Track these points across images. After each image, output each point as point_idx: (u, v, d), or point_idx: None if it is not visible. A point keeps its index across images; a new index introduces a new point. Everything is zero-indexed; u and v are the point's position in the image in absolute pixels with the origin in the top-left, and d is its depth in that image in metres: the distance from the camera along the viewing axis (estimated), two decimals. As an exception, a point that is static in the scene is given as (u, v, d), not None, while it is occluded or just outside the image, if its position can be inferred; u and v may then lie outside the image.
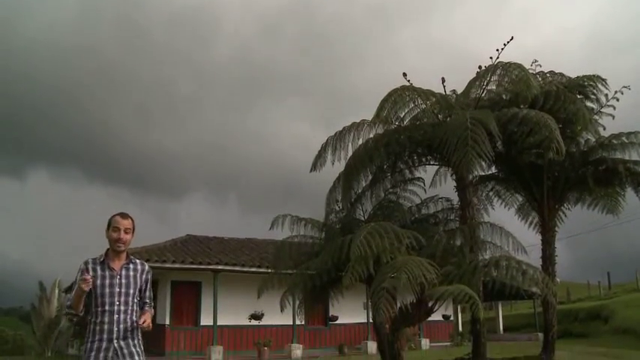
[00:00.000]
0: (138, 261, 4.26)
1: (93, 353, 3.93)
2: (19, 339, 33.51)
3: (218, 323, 18.56)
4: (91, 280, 3.87)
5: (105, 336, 3.94)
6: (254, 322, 19.93)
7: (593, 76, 12.23)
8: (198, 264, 18.52)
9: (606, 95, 12.19)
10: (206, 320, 19.16)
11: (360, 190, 12.24)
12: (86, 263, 4.09)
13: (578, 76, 12.39)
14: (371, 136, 11.32)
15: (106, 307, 3.96)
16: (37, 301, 31.84)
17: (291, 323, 18.78)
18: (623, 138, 12.07)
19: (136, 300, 4.12)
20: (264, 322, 19.87)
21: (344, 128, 11.25)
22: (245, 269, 19.46)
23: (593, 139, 12.41)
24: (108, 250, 4.15)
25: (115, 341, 3.95)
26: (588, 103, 12.25)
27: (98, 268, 4.06)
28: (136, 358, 4.05)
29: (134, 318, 4.09)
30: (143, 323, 4.06)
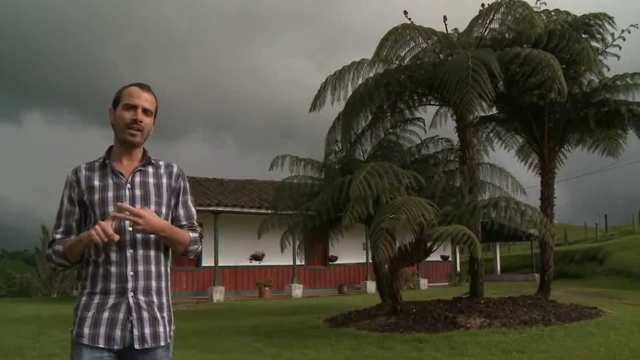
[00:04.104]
0: (162, 162, 2.48)
1: (91, 313, 2.26)
2: (26, 281, 34.13)
3: (219, 264, 18.84)
4: (106, 233, 2.16)
5: (112, 285, 2.26)
6: (255, 263, 20.23)
7: (600, 14, 11.90)
8: (198, 205, 18.54)
9: (612, 34, 11.94)
10: (207, 261, 19.39)
11: (359, 131, 12.21)
12: (76, 172, 2.39)
13: (584, 14, 12.07)
14: (371, 75, 11.19)
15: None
16: (41, 245, 32.31)
17: (292, 263, 19.07)
18: (627, 79, 11.86)
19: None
20: (265, 262, 20.17)
21: (344, 67, 11.11)
22: (245, 210, 19.59)
23: (597, 80, 12.22)
24: (111, 147, 2.46)
25: (131, 295, 2.26)
26: (593, 43, 11.97)
27: (96, 176, 2.37)
28: (161, 329, 2.31)
29: (162, 255, 2.38)
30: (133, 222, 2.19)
